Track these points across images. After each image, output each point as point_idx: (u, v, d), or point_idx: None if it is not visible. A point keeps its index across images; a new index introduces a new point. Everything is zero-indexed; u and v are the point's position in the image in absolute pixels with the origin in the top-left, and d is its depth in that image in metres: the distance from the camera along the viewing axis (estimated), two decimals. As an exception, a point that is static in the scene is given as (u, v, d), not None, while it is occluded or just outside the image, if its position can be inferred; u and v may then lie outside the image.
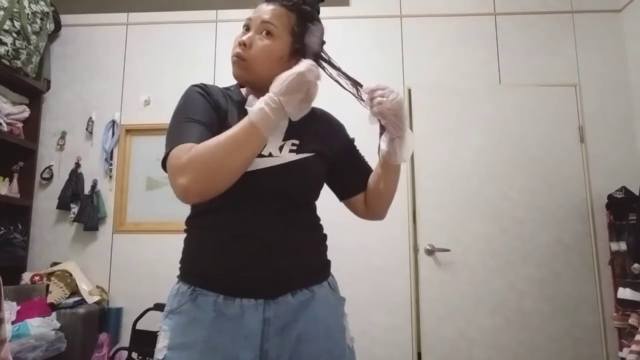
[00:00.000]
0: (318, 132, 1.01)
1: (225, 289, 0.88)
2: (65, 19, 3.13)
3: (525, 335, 2.60)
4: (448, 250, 2.67)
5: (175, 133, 0.86)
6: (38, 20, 2.83)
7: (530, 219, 2.70)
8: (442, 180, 2.76)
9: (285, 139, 0.95)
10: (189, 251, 0.96)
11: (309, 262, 0.97)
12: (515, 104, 2.84)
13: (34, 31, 2.80)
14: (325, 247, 1.04)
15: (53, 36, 3.10)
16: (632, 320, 2.32)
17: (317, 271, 0.99)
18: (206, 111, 0.90)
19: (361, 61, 2.91)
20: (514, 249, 2.67)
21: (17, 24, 2.68)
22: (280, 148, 0.93)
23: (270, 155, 0.91)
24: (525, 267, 2.65)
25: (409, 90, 2.89)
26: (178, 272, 0.97)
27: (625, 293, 2.41)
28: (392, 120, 0.91)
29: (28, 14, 2.75)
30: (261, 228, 0.90)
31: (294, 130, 0.95)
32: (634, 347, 2.14)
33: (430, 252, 2.69)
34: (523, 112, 2.82)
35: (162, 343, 0.87)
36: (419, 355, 2.64)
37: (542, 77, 2.90)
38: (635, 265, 2.35)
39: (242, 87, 1.02)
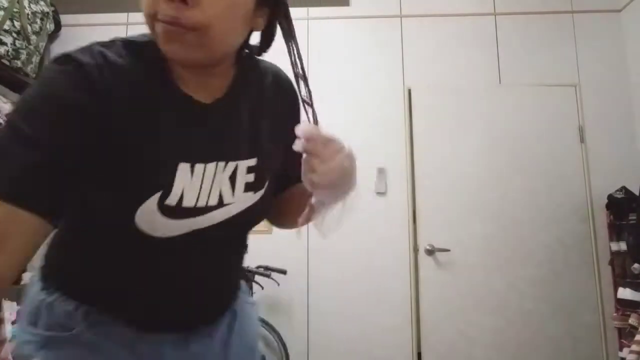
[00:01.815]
0: (275, 125, 0.69)
1: (140, 322, 0.64)
2: (65, 19, 3.13)
3: (525, 335, 2.59)
4: (448, 250, 2.67)
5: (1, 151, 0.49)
6: (38, 20, 2.83)
7: (530, 219, 2.70)
8: (442, 180, 2.76)
9: (235, 157, 0.63)
10: (89, 261, 0.64)
11: (233, 293, 0.78)
12: (515, 104, 2.84)
13: (34, 31, 2.80)
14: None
15: (53, 36, 3.09)
16: (632, 320, 2.32)
17: (235, 295, 0.80)
18: (62, 126, 0.50)
19: (361, 61, 2.91)
20: (514, 249, 2.67)
21: (17, 24, 2.68)
22: (233, 179, 0.63)
23: (220, 203, 0.62)
24: (525, 267, 2.65)
25: (409, 90, 2.89)
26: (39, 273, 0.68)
27: (625, 293, 2.41)
28: (324, 193, 0.61)
29: (28, 14, 2.75)
30: (194, 271, 0.66)
31: (245, 135, 0.65)
32: (634, 347, 2.15)
33: (430, 252, 2.69)
34: (523, 112, 2.82)
35: None
36: (419, 355, 2.64)
37: (542, 77, 2.89)
38: (635, 265, 2.35)
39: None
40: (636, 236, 2.38)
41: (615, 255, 2.57)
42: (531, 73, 2.91)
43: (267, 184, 0.68)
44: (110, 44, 0.57)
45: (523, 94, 2.85)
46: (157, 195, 0.56)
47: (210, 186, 0.60)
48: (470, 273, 2.67)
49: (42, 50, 2.93)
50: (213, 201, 0.61)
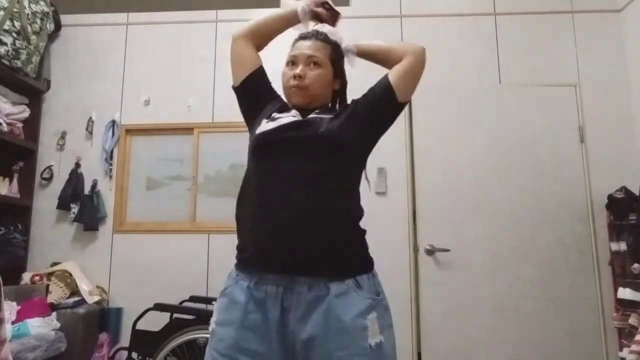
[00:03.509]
0: (338, 116, 1.18)
1: (257, 274, 1.02)
2: (65, 19, 3.13)
3: (525, 335, 2.60)
4: (448, 250, 2.67)
5: None
6: (38, 20, 2.83)
7: (530, 219, 2.70)
8: (442, 181, 2.76)
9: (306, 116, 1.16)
10: (240, 214, 1.13)
11: (323, 248, 1.01)
12: (515, 104, 2.84)
13: (34, 31, 2.80)
14: (355, 244, 1.12)
15: (53, 36, 3.10)
16: (632, 320, 2.32)
17: (336, 265, 1.02)
18: (268, 84, 1.25)
19: (360, 61, 2.91)
20: (514, 249, 2.67)
21: (17, 24, 2.68)
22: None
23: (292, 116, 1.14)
24: (526, 267, 2.65)
25: (409, 90, 2.89)
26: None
27: (625, 293, 2.41)
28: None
29: (28, 14, 2.75)
30: (283, 204, 1.01)
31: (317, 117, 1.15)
32: (634, 347, 2.14)
33: (430, 252, 2.69)
34: (523, 112, 2.82)
35: (213, 317, 1.07)
36: (419, 355, 2.64)
37: (542, 77, 2.90)
38: (635, 265, 2.35)
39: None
40: (636, 236, 2.38)
41: (615, 255, 2.57)
42: (531, 73, 2.91)
43: (328, 121, 1.11)
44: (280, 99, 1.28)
45: (523, 94, 2.85)
46: (267, 119, 1.14)
47: (291, 116, 1.14)
48: (470, 273, 2.67)
49: (42, 50, 2.93)
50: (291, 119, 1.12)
